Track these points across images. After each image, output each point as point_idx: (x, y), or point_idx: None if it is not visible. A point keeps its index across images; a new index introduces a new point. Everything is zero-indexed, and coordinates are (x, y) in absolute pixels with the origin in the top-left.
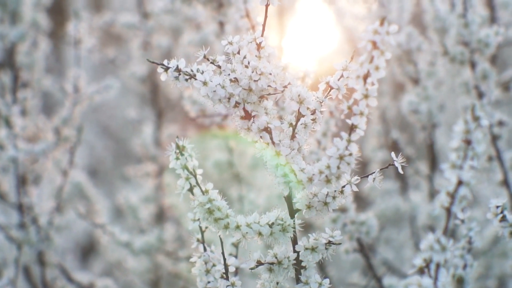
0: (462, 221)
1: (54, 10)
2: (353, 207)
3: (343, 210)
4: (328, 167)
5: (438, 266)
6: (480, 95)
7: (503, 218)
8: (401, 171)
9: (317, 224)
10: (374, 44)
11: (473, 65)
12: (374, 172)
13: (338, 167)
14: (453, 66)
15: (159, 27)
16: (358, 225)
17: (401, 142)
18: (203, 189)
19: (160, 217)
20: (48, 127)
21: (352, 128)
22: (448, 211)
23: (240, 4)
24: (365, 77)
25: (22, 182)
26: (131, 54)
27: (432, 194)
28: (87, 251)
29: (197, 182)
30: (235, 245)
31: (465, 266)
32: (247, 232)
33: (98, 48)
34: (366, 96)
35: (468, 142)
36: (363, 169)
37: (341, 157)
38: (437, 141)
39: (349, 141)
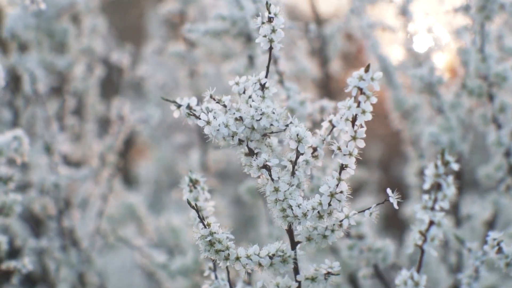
0: (469, 250)
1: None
2: (370, 234)
3: (360, 237)
4: (320, 204)
5: None
6: (499, 126)
7: (500, 250)
8: (396, 207)
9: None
10: (360, 90)
11: (491, 98)
12: (370, 208)
13: (329, 204)
14: (471, 99)
15: (209, 54)
16: (375, 252)
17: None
18: (206, 222)
19: None
20: (94, 153)
21: (342, 168)
22: (421, 249)
23: None
24: (353, 120)
25: (66, 206)
26: (179, 81)
27: (459, 220)
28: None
29: (199, 216)
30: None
31: None
32: (247, 264)
33: (150, 74)
34: (354, 138)
35: (438, 186)
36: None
37: (332, 195)
38: (464, 168)
39: (339, 179)
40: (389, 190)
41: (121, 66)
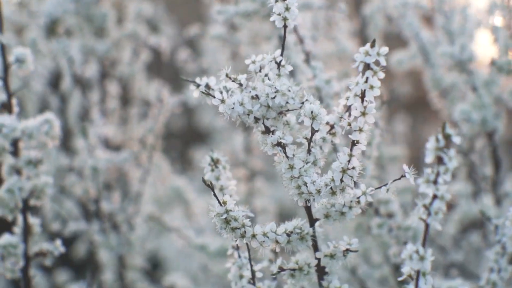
0: (496, 226)
1: None
2: (400, 213)
3: (389, 215)
4: (333, 180)
5: (418, 274)
6: None
7: None
8: (412, 183)
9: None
10: (367, 66)
11: None
12: (387, 184)
13: (342, 180)
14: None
15: (253, 36)
16: (404, 230)
17: (463, 148)
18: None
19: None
20: (136, 136)
21: (353, 143)
22: (426, 222)
23: None
24: (362, 96)
25: (107, 189)
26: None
27: (497, 198)
28: None
29: (214, 194)
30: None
31: (499, 271)
32: (263, 241)
33: (192, 58)
34: (364, 114)
35: (440, 159)
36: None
37: (344, 171)
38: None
39: (350, 155)
40: (405, 166)
41: (159, 50)
